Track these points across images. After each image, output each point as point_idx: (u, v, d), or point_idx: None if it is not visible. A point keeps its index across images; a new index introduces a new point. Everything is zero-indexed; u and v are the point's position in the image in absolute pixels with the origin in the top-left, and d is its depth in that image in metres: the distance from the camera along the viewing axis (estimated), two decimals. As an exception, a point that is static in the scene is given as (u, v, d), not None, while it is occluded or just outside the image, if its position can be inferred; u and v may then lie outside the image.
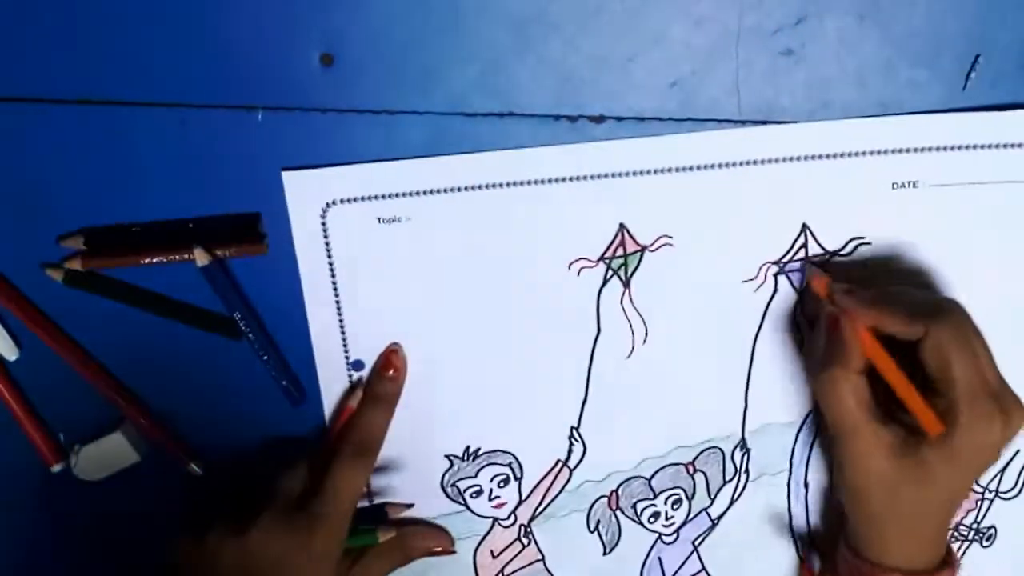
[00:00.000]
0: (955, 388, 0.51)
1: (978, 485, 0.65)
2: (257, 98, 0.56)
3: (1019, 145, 0.56)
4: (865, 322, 0.53)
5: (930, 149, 0.56)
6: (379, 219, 0.58)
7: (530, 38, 0.55)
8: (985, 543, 0.67)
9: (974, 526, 0.66)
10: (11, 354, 0.61)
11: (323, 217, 0.58)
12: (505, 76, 0.56)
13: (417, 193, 0.58)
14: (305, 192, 0.58)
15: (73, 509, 0.65)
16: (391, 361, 0.61)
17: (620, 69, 0.56)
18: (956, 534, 0.66)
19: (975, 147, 0.56)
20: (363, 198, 0.58)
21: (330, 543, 0.58)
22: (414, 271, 0.60)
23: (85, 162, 0.57)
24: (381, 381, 0.61)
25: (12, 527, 0.65)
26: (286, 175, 0.57)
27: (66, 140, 0.56)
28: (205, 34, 0.55)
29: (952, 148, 0.56)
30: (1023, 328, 0.60)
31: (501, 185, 0.57)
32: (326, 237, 0.59)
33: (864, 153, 0.57)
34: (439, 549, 0.65)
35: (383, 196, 0.58)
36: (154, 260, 0.58)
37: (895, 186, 0.57)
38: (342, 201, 0.58)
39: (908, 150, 0.56)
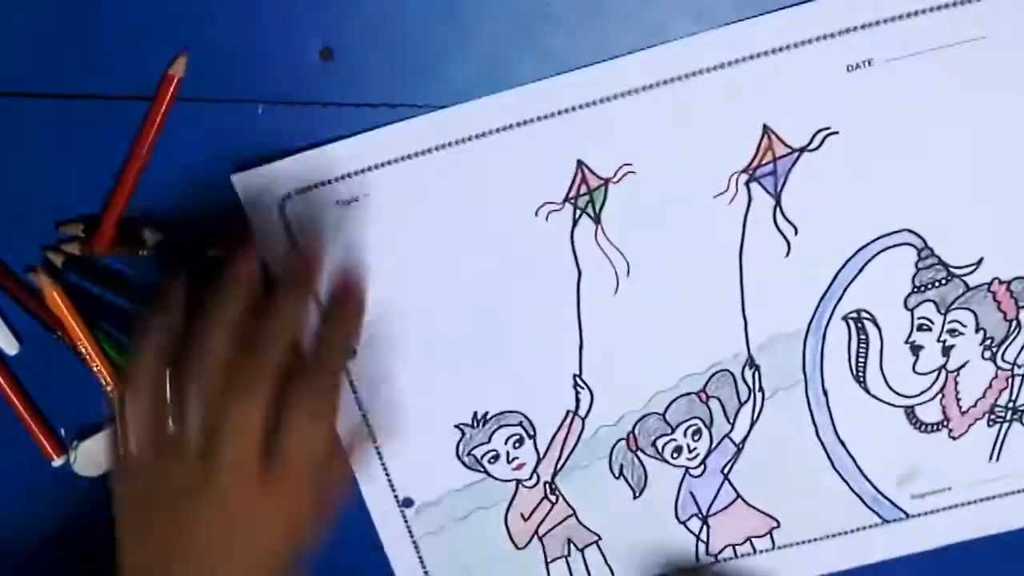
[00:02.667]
0: None
1: (1004, 361, 0.62)
2: (257, 92, 0.56)
3: (964, 2, 0.53)
4: None
5: (878, 23, 0.54)
6: (337, 202, 0.58)
7: (531, 32, 0.55)
8: (1025, 421, 0.64)
9: (1010, 406, 0.64)
10: (11, 348, 0.62)
11: (282, 212, 0.58)
12: (506, 69, 0.55)
13: (368, 169, 0.57)
14: (259, 190, 0.58)
15: (74, 506, 0.66)
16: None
17: None
18: (993, 417, 0.64)
19: (924, 11, 0.54)
20: (317, 184, 0.58)
21: (298, 506, 0.53)
22: (384, 248, 0.59)
23: (85, 156, 0.58)
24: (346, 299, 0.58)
25: (12, 523, 0.67)
26: (235, 177, 0.57)
27: (67, 134, 0.57)
28: (205, 28, 0.55)
29: (900, 17, 0.54)
30: (1007, 181, 0.58)
31: (449, 145, 0.57)
32: (289, 231, 0.58)
33: (810, 41, 0.54)
34: None
35: (336, 179, 0.57)
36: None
37: (850, 68, 0.55)
38: (297, 192, 0.58)
39: (855, 28, 0.54)
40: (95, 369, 0.61)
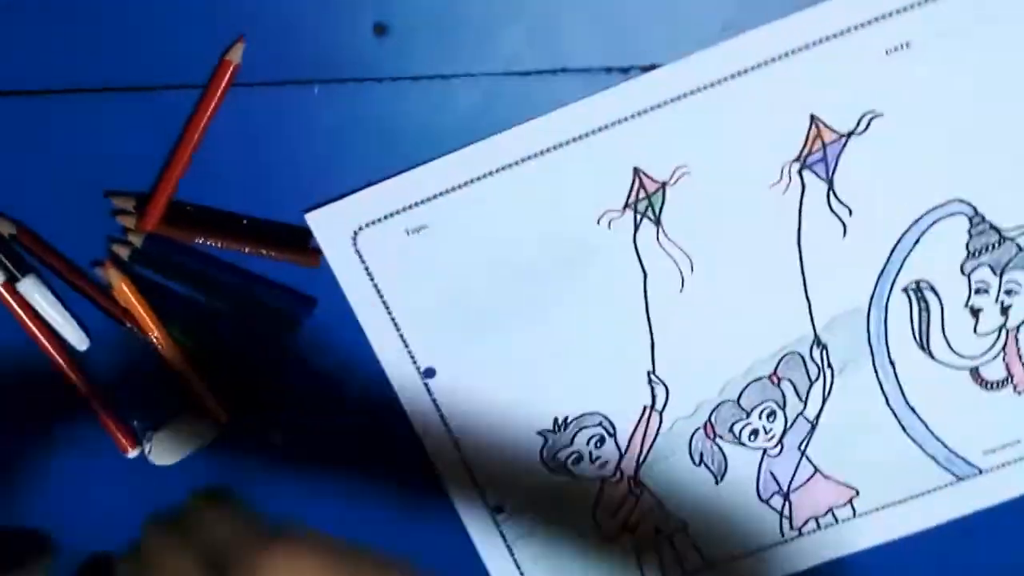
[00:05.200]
0: None
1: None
2: (313, 72, 0.57)
3: (998, -23, 0.55)
4: None
5: (912, 7, 0.56)
6: (407, 231, 0.60)
7: None
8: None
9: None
10: (82, 344, 0.64)
11: (355, 244, 0.60)
12: (555, 32, 0.56)
13: (434, 197, 0.59)
14: (331, 226, 0.60)
15: (151, 495, 0.67)
16: None
17: (669, 16, 0.56)
18: None
19: (956, -10, 0.56)
20: (386, 216, 0.60)
21: None
22: (456, 270, 0.61)
23: (147, 150, 0.59)
24: None
25: (90, 516, 0.68)
26: (309, 217, 0.60)
27: (128, 128, 0.59)
28: (259, 11, 0.56)
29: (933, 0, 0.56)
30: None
31: (509, 167, 0.59)
32: (363, 261, 0.61)
33: (848, 30, 0.56)
34: None
35: (404, 209, 0.60)
36: (207, 242, 0.60)
37: (888, 52, 0.57)
38: (367, 225, 0.60)
39: (891, 14, 0.56)
40: (169, 358, 0.63)
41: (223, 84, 0.56)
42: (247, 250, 0.60)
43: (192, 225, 0.60)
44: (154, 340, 0.62)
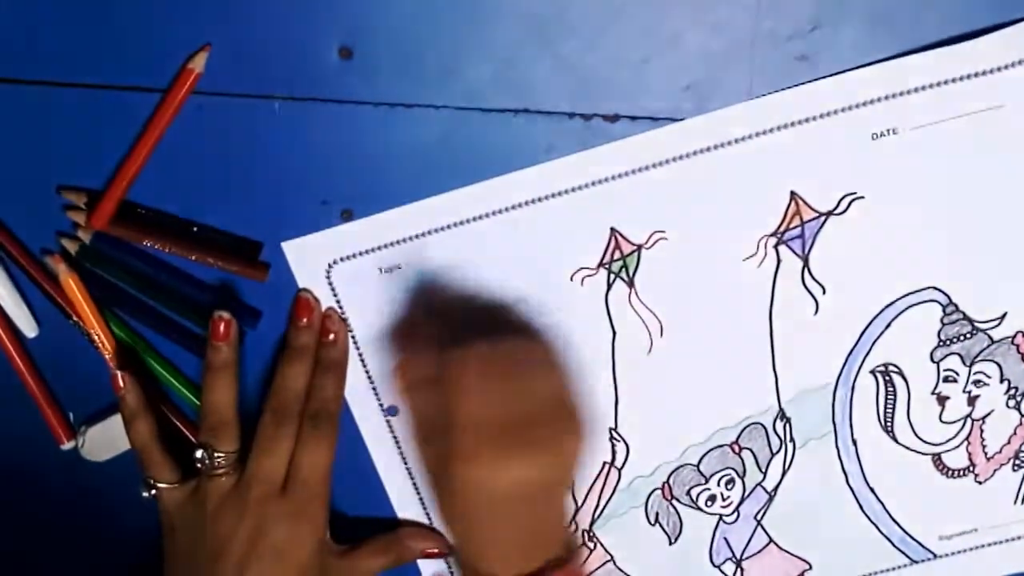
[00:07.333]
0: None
1: (1027, 410, 0.64)
2: (275, 88, 0.57)
3: (985, 72, 0.55)
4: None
5: (902, 94, 0.56)
6: (380, 269, 0.60)
7: (548, 37, 0.56)
8: (1053, 466, 0.66)
9: (1035, 451, 0.66)
10: (31, 331, 0.64)
11: (328, 276, 0.60)
12: (522, 74, 0.57)
13: (410, 238, 0.59)
14: (307, 257, 0.60)
15: (79, 489, 0.69)
16: (327, 327, 0.62)
17: (636, 71, 0.56)
18: (1018, 462, 0.66)
19: (945, 82, 0.55)
20: (361, 253, 0.60)
21: (313, 527, 0.62)
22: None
23: (107, 145, 0.59)
24: (324, 347, 0.62)
25: (19, 502, 0.70)
26: (286, 245, 0.60)
27: (89, 123, 0.58)
28: (228, 23, 0.56)
29: (923, 88, 0.56)
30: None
31: (489, 215, 0.59)
32: (335, 294, 0.61)
33: (837, 111, 0.56)
34: (435, 551, 0.67)
35: (380, 247, 0.60)
36: (155, 246, 0.60)
37: (875, 136, 0.57)
38: (342, 259, 0.60)
39: (880, 99, 0.56)
40: (106, 357, 0.63)
41: (183, 91, 0.56)
42: (194, 257, 0.60)
43: (142, 227, 0.60)
44: (95, 336, 0.62)
